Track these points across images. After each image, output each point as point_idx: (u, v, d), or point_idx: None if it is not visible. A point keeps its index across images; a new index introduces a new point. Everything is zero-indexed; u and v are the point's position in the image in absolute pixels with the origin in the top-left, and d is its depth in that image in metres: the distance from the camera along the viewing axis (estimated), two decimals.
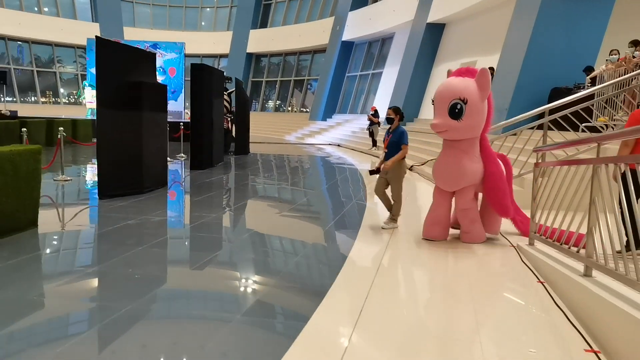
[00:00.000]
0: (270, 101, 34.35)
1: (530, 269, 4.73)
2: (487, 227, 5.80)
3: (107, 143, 7.77)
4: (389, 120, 6.28)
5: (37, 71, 32.35)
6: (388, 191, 6.36)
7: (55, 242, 5.70)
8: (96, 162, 8.10)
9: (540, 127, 7.82)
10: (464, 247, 5.58)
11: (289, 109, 32.89)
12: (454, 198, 5.70)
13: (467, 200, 5.54)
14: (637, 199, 3.20)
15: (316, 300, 3.78)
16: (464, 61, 17.83)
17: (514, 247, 5.52)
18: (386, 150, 6.22)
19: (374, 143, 17.56)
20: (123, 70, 7.90)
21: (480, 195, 5.92)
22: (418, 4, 20.54)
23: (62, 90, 33.64)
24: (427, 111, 19.70)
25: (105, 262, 4.71)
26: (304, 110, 31.40)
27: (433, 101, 5.36)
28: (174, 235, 6.02)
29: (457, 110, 5.14)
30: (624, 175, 3.35)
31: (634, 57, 8.53)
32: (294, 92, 32.76)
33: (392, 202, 6.32)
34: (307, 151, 19.25)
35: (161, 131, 9.04)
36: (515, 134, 8.08)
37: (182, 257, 5.26)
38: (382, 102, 21.81)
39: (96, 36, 7.64)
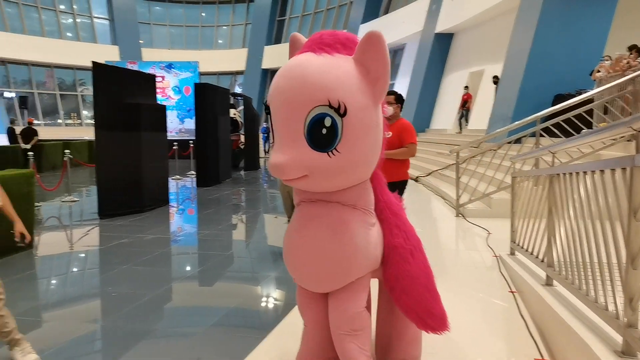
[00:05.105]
0: None
1: (505, 279, 4.73)
2: (393, 354, 2.79)
3: (106, 164, 8.03)
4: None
5: (60, 95, 33.28)
6: None
7: (45, 263, 5.88)
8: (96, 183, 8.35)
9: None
10: (441, 252, 5.57)
11: None
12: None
13: (358, 309, 2.37)
14: None
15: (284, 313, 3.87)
16: (472, 70, 17.83)
17: (496, 257, 5.51)
18: None
19: None
20: (120, 93, 8.16)
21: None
22: (426, 15, 20.62)
23: (84, 112, 34.51)
24: (438, 121, 19.69)
25: (88, 281, 4.88)
26: None
27: (268, 109, 2.27)
28: (161, 253, 6.14)
29: (325, 132, 2.07)
30: None
31: (629, 63, 8.42)
32: None
33: None
34: None
35: (161, 150, 9.26)
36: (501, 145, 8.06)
37: (162, 274, 5.36)
38: None
39: (92, 61, 7.92)
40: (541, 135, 7.75)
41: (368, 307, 2.51)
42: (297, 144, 2.06)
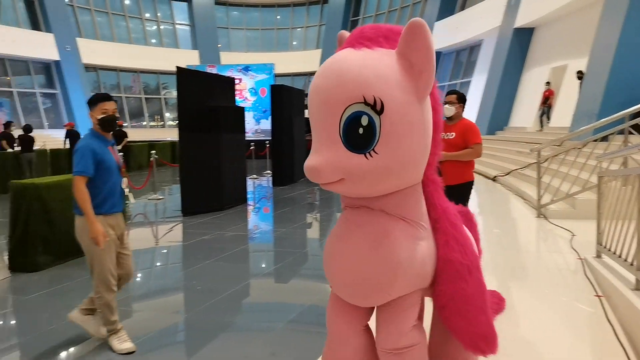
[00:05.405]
0: None
1: (591, 283, 4.53)
2: None
3: (189, 164, 8.41)
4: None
5: (145, 98, 35.04)
6: None
7: (135, 256, 6.17)
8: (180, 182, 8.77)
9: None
10: (521, 254, 5.41)
11: None
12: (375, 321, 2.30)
13: (405, 328, 2.16)
14: None
15: None
16: (555, 65, 17.08)
17: (581, 259, 5.29)
18: None
19: None
20: (202, 96, 8.52)
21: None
22: (505, 9, 19.99)
23: (167, 114, 36.16)
24: (517, 119, 19.03)
25: (173, 275, 5.16)
26: None
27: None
28: (240, 250, 6.38)
29: (361, 132, 1.90)
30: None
31: None
32: None
33: None
34: None
35: (239, 151, 9.58)
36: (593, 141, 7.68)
37: (241, 270, 5.57)
38: (471, 110, 21.30)
39: (177, 67, 8.32)
40: (630, 133, 7.34)
41: (420, 317, 2.25)
42: (333, 146, 1.91)
